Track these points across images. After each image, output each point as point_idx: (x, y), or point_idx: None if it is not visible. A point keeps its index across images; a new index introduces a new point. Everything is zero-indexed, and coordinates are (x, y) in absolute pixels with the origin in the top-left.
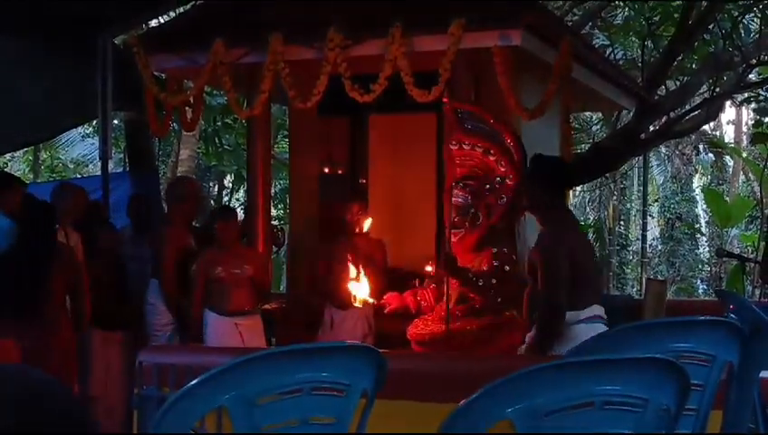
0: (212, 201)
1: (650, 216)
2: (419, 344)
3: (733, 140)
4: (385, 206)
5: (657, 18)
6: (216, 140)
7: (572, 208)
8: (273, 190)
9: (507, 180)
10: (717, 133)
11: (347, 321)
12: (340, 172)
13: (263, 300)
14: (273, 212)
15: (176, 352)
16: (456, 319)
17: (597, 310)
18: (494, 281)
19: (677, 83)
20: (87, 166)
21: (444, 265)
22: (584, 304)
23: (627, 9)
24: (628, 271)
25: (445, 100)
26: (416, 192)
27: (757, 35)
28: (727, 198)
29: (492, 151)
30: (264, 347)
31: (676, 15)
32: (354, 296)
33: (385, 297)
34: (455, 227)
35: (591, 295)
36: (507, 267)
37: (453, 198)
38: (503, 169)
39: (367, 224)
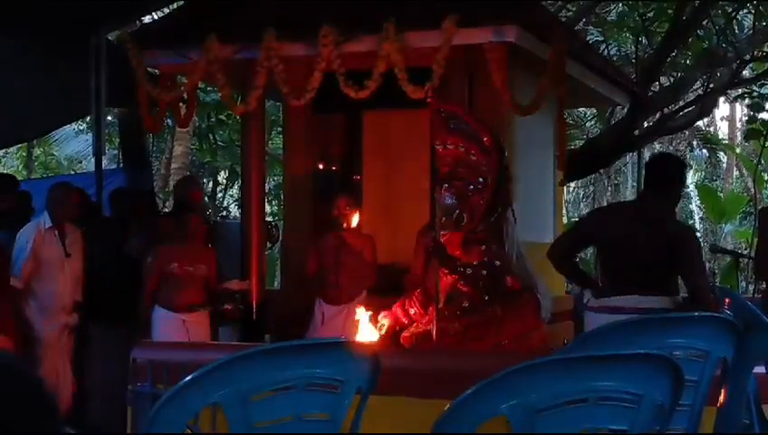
0: (206, 198)
1: None
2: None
3: (726, 137)
4: (379, 202)
5: (650, 14)
6: (210, 137)
7: (566, 205)
8: (267, 187)
9: (488, 181)
10: (711, 129)
11: (337, 317)
12: (334, 169)
13: (212, 300)
14: (268, 208)
15: (169, 348)
16: (443, 318)
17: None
18: (483, 272)
19: (671, 79)
20: (81, 162)
21: (434, 253)
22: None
23: (621, 5)
24: None
25: (429, 100)
26: (410, 189)
27: (751, 32)
28: (721, 194)
29: (473, 152)
30: (209, 343)
31: (669, 12)
32: (381, 325)
33: (380, 317)
34: (441, 227)
35: None
36: (498, 262)
37: (438, 199)
38: (484, 170)
39: (355, 219)
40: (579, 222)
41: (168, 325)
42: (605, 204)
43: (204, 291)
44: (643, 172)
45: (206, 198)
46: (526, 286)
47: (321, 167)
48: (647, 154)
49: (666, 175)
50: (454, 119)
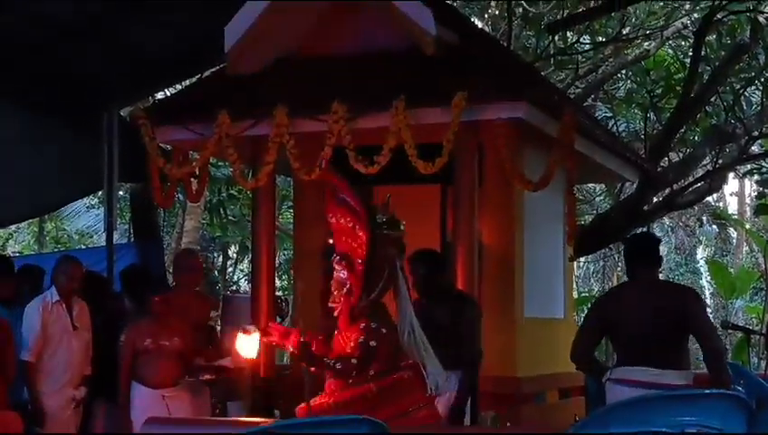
0: (216, 272)
1: None
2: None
3: (736, 212)
4: None
5: (659, 91)
6: (221, 211)
7: (576, 280)
8: (277, 261)
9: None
10: (720, 205)
11: None
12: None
13: (190, 372)
14: (278, 283)
15: (175, 424)
16: (353, 384)
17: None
18: (353, 361)
19: (680, 155)
20: (92, 237)
21: (300, 355)
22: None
23: (629, 81)
24: None
25: (323, 168)
26: None
27: (759, 108)
28: (731, 270)
29: (357, 226)
30: (192, 417)
31: (678, 88)
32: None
33: (271, 325)
34: (334, 301)
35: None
36: (374, 342)
37: (335, 273)
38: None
39: None
40: (589, 317)
41: (146, 401)
42: (615, 279)
43: (180, 364)
44: (624, 250)
45: (215, 272)
46: (411, 364)
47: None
48: (656, 230)
49: (657, 251)
50: (340, 192)
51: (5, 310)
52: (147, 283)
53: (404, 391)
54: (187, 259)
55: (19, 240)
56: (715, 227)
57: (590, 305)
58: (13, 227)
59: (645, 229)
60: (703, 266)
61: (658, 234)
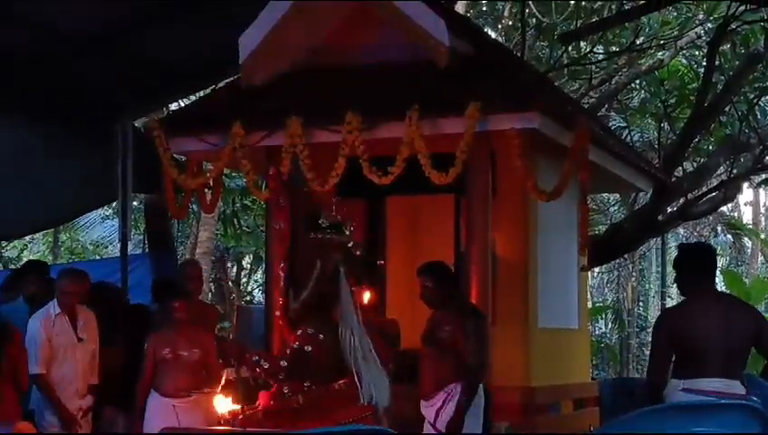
0: (230, 282)
1: (669, 297)
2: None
3: (751, 222)
4: (403, 287)
5: (673, 100)
6: (235, 222)
7: (590, 290)
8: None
9: None
10: (735, 214)
11: None
12: (357, 254)
13: (213, 383)
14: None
15: None
16: (287, 395)
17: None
18: (282, 363)
19: (694, 165)
20: (106, 247)
21: (231, 352)
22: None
23: (643, 91)
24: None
25: (271, 174)
26: None
27: None
28: (746, 280)
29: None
30: (205, 428)
31: (692, 98)
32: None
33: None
34: (280, 308)
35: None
36: (309, 348)
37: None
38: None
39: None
40: (659, 338)
41: (157, 410)
42: (629, 289)
43: (199, 376)
44: (674, 259)
45: (229, 283)
46: (348, 372)
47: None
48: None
49: (714, 263)
50: (282, 199)
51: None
52: (177, 294)
53: (337, 404)
54: (190, 268)
55: (34, 251)
56: (729, 236)
57: (653, 327)
58: (27, 238)
59: (692, 240)
60: (718, 277)
61: (673, 243)
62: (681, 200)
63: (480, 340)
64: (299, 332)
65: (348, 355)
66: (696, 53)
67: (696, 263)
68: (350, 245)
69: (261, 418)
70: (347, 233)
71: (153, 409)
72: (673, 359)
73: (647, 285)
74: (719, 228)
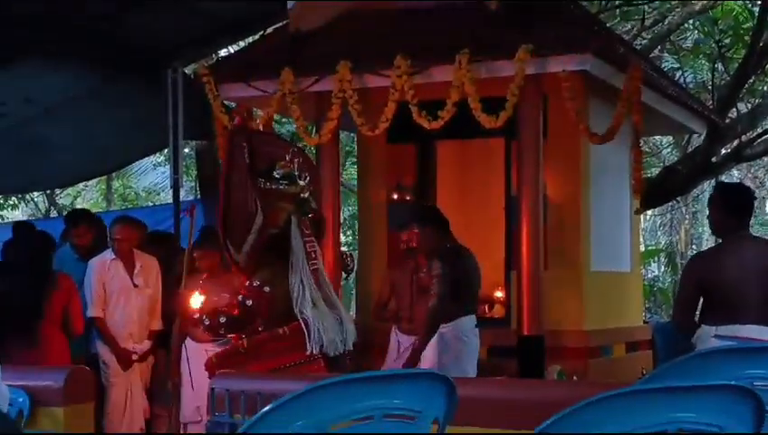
0: None
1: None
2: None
3: None
4: (453, 232)
5: (727, 41)
6: None
7: (643, 233)
8: (342, 217)
9: None
10: None
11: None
12: (408, 198)
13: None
14: (342, 238)
15: (247, 378)
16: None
17: (735, 329)
18: (222, 319)
19: (748, 106)
20: (159, 194)
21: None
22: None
23: (696, 32)
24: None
25: (237, 123)
26: (484, 218)
27: None
28: None
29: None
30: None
31: (746, 38)
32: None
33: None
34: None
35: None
36: (250, 302)
37: None
38: None
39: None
40: (687, 280)
41: (190, 353)
42: (683, 232)
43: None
44: (709, 197)
45: None
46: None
47: (395, 197)
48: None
49: (752, 204)
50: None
51: (84, 263)
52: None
53: (279, 349)
54: None
55: (87, 198)
56: None
57: (684, 269)
58: (81, 185)
59: (747, 182)
60: None
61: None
62: (735, 142)
63: (472, 279)
64: (246, 283)
65: (295, 305)
66: None
67: (732, 203)
68: (304, 196)
69: (214, 363)
70: (301, 184)
71: (186, 352)
72: (700, 303)
73: (700, 229)
74: None
